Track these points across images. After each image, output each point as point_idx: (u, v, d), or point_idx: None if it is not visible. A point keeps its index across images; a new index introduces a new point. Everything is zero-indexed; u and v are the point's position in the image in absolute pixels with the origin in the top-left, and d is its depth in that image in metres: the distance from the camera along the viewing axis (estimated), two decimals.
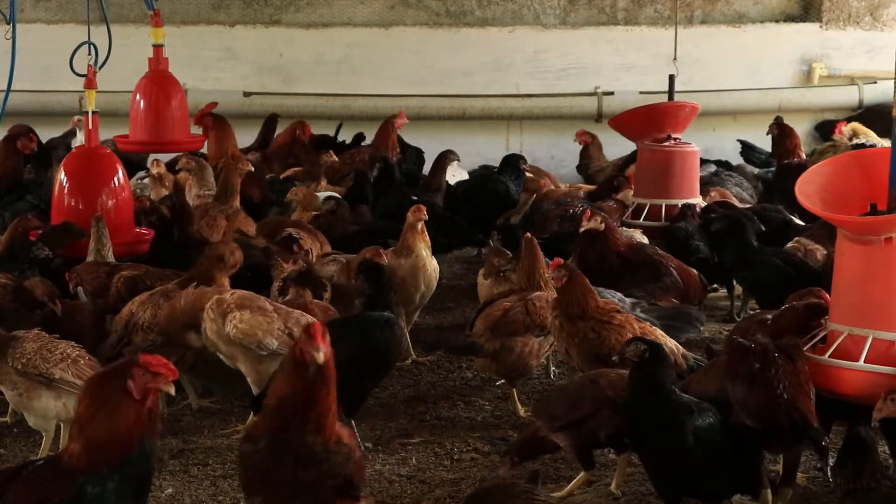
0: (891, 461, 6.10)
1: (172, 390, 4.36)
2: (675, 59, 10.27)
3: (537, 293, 7.07)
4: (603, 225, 7.64)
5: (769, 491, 5.47)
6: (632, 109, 10.44)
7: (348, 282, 7.65)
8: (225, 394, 7.31)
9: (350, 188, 10.15)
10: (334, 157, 10.80)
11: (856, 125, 11.46)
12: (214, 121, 10.60)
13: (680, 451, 5.25)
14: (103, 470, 4.23)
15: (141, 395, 4.28)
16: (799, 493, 5.72)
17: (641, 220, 9.42)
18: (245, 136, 11.65)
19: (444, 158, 10.75)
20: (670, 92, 10.41)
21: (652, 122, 9.83)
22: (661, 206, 9.47)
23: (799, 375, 5.44)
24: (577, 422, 5.72)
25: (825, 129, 12.32)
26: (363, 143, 11.71)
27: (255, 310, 6.68)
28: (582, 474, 5.90)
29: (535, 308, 6.95)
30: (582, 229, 7.47)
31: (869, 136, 11.18)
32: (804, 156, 11.08)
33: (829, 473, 6.03)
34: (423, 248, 7.84)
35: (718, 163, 11.82)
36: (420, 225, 7.82)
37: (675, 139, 9.69)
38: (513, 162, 10.49)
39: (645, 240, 8.66)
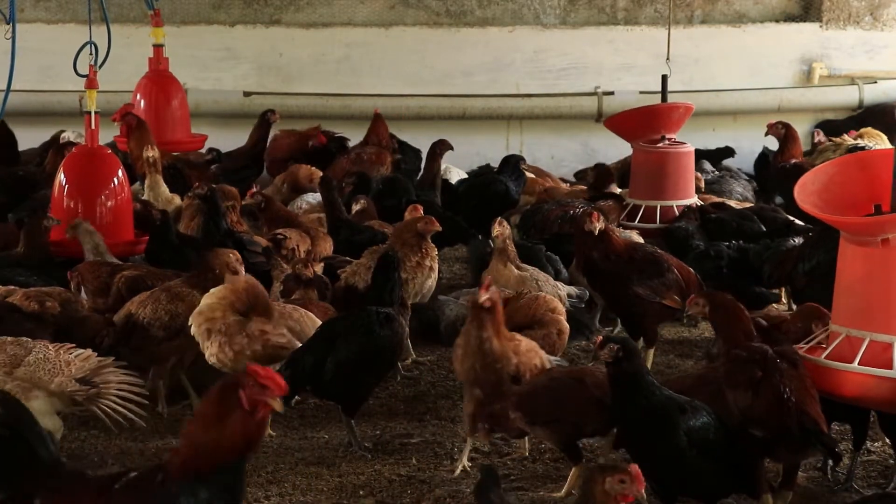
0: (892, 461, 6.12)
1: (280, 407, 4.19)
2: (667, 58, 10.27)
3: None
4: (604, 223, 7.64)
5: (769, 494, 5.44)
6: (626, 111, 10.43)
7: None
8: None
9: (351, 191, 10.16)
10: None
11: (867, 130, 11.45)
12: (138, 121, 10.29)
13: (672, 448, 5.22)
14: (202, 477, 4.07)
15: (251, 407, 4.13)
16: (799, 493, 5.71)
17: (636, 221, 9.42)
18: (245, 136, 11.67)
19: (436, 148, 10.77)
20: (663, 92, 10.39)
21: (646, 122, 9.81)
22: (655, 207, 9.46)
23: (804, 380, 5.40)
24: (559, 419, 5.76)
25: (826, 130, 12.28)
26: (350, 144, 11.81)
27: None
28: (574, 470, 5.89)
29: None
30: (596, 231, 7.41)
31: (876, 139, 11.16)
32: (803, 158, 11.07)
33: (829, 475, 6.06)
34: None
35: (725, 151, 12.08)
36: None
37: (669, 139, 9.68)
38: (513, 162, 10.49)
39: (641, 240, 8.64)
